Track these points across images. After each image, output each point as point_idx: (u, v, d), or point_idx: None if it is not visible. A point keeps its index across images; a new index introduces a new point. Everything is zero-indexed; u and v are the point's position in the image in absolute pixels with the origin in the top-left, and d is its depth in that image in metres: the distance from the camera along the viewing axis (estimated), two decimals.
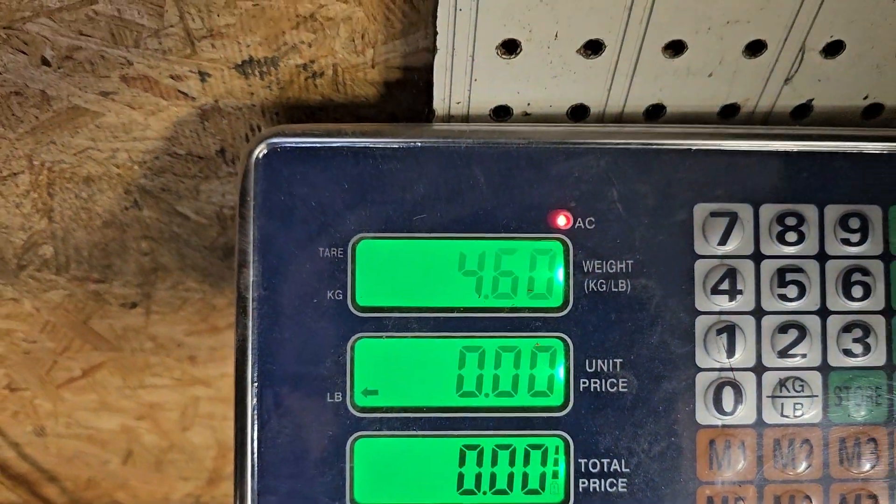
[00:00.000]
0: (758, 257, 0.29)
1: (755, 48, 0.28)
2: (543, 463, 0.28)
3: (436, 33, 0.27)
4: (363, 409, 0.28)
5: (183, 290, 0.42)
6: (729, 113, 0.31)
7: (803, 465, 0.29)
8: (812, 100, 0.31)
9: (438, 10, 0.26)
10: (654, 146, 0.28)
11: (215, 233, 0.38)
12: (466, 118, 0.30)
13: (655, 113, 0.30)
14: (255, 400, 0.28)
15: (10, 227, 0.38)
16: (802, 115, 0.31)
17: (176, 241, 0.39)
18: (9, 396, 0.51)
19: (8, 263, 0.40)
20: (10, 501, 0.63)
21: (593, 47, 0.28)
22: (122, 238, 0.39)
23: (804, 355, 0.29)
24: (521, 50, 0.28)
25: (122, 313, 0.44)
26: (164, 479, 0.62)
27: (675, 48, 0.28)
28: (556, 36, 0.27)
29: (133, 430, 0.55)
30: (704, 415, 0.28)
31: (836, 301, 0.29)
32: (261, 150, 0.28)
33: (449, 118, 0.30)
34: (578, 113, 0.30)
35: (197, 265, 0.40)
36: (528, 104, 0.30)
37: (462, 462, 0.28)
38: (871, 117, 0.32)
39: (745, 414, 0.29)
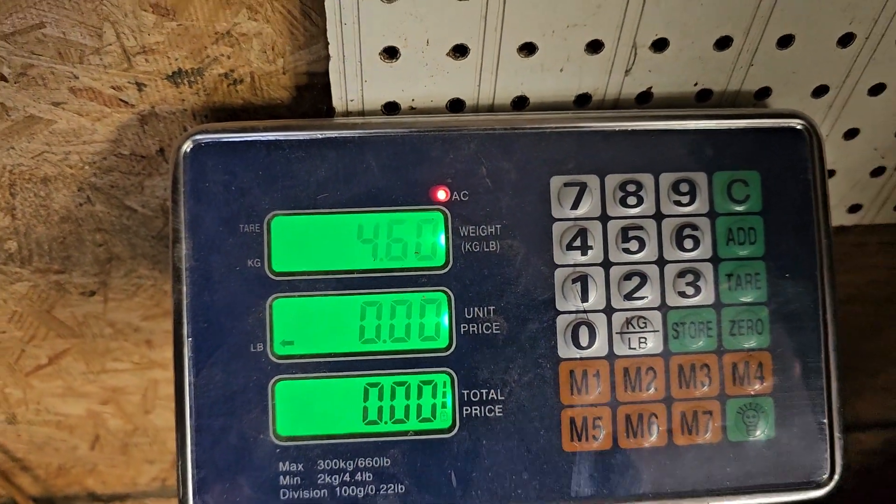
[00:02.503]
0: (605, 218, 0.35)
1: (595, 47, 0.34)
2: (434, 395, 0.34)
3: (328, 44, 0.33)
4: (281, 357, 0.33)
5: (136, 278, 0.47)
6: (583, 101, 0.37)
7: (649, 389, 0.35)
8: (651, 88, 0.37)
9: (327, 23, 0.32)
10: (516, 130, 0.34)
11: (161, 223, 0.44)
12: (362, 114, 0.36)
13: (521, 104, 0.36)
14: (190, 351, 0.33)
15: None
16: (646, 101, 0.37)
17: (126, 232, 0.44)
18: None
19: None
20: None
21: (460, 50, 0.34)
22: (78, 231, 0.44)
23: (646, 298, 0.35)
24: (400, 55, 0.33)
25: (82, 301, 0.49)
26: (131, 463, 0.66)
27: (529, 49, 0.34)
28: (428, 42, 0.33)
29: (98, 415, 0.59)
30: (565, 350, 0.34)
31: (671, 252, 0.35)
32: (187, 146, 0.33)
33: (347, 114, 0.36)
34: (456, 106, 0.36)
35: (147, 253, 0.45)
36: (413, 100, 0.35)
37: (366, 398, 0.34)
38: (704, 100, 0.38)
39: (598, 348, 0.34)
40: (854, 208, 0.45)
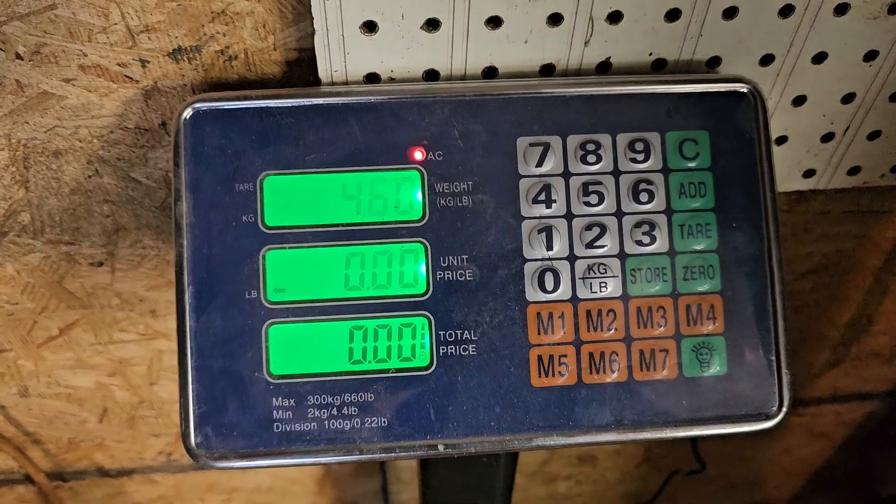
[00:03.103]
0: (567, 175, 0.38)
1: (555, 19, 0.38)
2: (413, 337, 0.37)
3: (313, 20, 0.36)
4: (274, 303, 0.37)
5: (141, 248, 0.51)
6: (548, 71, 0.40)
7: (610, 329, 0.38)
8: (609, 58, 0.40)
9: (312, 2, 0.36)
10: (485, 96, 0.38)
11: (164, 194, 0.47)
12: (346, 83, 0.39)
13: (491, 74, 0.40)
14: (190, 299, 0.36)
15: None
16: (605, 71, 0.41)
17: (132, 203, 0.47)
18: None
19: None
20: (5, 465, 0.70)
21: (433, 24, 0.37)
22: (87, 203, 0.47)
23: (606, 246, 0.38)
24: (378, 29, 0.37)
25: (91, 272, 0.52)
26: (137, 437, 0.70)
27: (495, 22, 0.38)
28: (403, 17, 0.37)
29: (106, 387, 0.63)
30: (532, 294, 0.38)
31: (629, 205, 0.38)
32: (188, 113, 0.37)
33: (332, 84, 0.39)
34: (432, 76, 0.39)
35: (151, 224, 0.49)
36: (392, 70, 0.39)
37: (351, 339, 0.37)
38: (660, 69, 0.41)
39: (562, 292, 0.38)
40: (808, 173, 0.49)
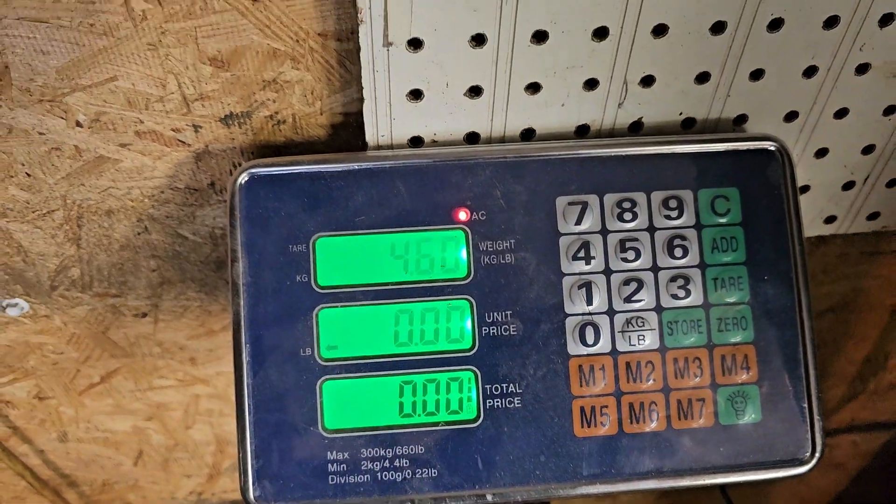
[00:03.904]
0: (604, 232, 0.40)
1: (591, 84, 0.40)
2: (460, 390, 0.39)
3: (362, 88, 0.38)
4: (327, 360, 0.38)
5: (184, 300, 0.52)
6: (583, 131, 0.42)
7: (648, 380, 0.39)
8: (641, 118, 0.42)
9: (362, 72, 0.37)
10: (525, 157, 0.39)
11: (209, 249, 0.49)
12: (391, 147, 0.41)
13: (529, 135, 0.42)
14: (247, 357, 0.38)
15: (46, 254, 0.48)
16: (637, 129, 0.43)
17: (178, 258, 0.49)
18: (38, 405, 0.60)
19: (42, 285, 0.50)
20: None
21: (475, 91, 0.39)
22: (135, 258, 0.49)
23: (643, 300, 0.40)
24: (423, 96, 0.39)
25: (135, 323, 0.54)
26: (170, 478, 0.71)
27: (534, 88, 0.39)
28: (447, 85, 0.38)
29: (143, 431, 0.64)
30: (573, 347, 0.39)
31: (664, 260, 0.40)
32: (243, 178, 0.39)
33: (378, 148, 0.41)
34: (472, 138, 0.41)
35: (195, 277, 0.51)
36: (435, 134, 0.41)
37: (401, 394, 0.39)
38: (689, 127, 0.43)
39: (602, 345, 0.39)
40: (830, 219, 0.50)
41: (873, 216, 0.51)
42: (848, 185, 0.48)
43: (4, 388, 0.58)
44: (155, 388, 0.60)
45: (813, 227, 0.50)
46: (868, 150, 0.46)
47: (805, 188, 0.48)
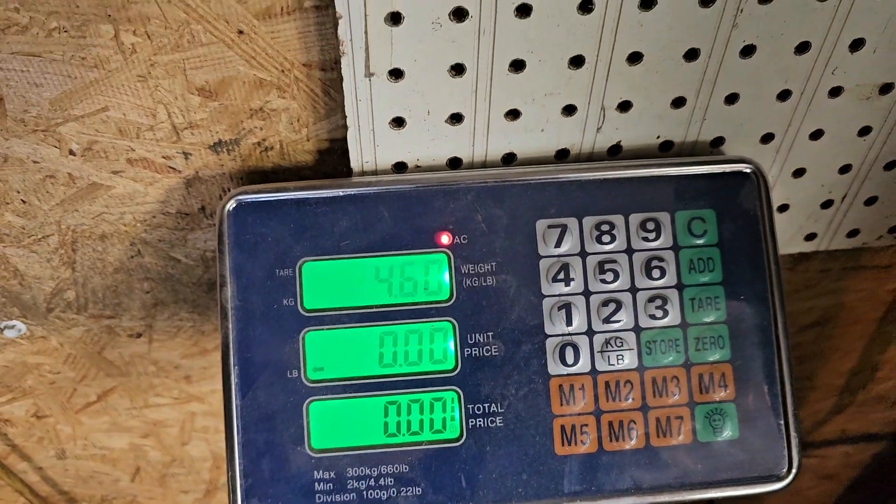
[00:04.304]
0: (584, 254, 0.41)
1: (570, 110, 0.41)
2: (444, 410, 0.40)
3: (346, 116, 0.39)
4: (313, 381, 0.39)
5: (178, 320, 0.53)
6: (563, 155, 0.43)
7: (627, 399, 0.40)
8: (620, 141, 0.43)
9: (345, 100, 0.39)
10: (505, 182, 0.40)
11: (201, 271, 0.50)
12: (375, 172, 0.42)
13: (510, 159, 0.43)
14: (236, 378, 0.39)
15: (42, 277, 0.49)
16: (616, 153, 0.44)
17: (171, 280, 0.50)
18: (35, 424, 0.61)
19: (39, 307, 0.51)
20: None
21: (456, 118, 0.40)
22: (129, 280, 0.50)
23: (622, 321, 0.41)
24: (406, 124, 0.40)
25: (130, 343, 0.55)
26: (168, 494, 0.72)
27: (514, 114, 0.41)
28: (429, 112, 0.40)
29: (140, 448, 0.65)
30: (554, 367, 0.40)
31: (642, 281, 0.41)
32: (231, 205, 0.40)
33: (362, 174, 0.42)
34: (455, 163, 0.42)
35: (188, 298, 0.52)
36: (418, 160, 0.42)
37: (386, 414, 0.39)
38: (667, 150, 0.44)
39: (582, 365, 0.40)
40: (810, 237, 0.51)
41: (853, 233, 0.52)
42: (826, 204, 0.49)
43: (3, 406, 0.59)
44: (151, 405, 0.61)
45: (793, 244, 0.51)
46: (845, 169, 0.47)
47: (784, 207, 0.49)
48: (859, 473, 0.90)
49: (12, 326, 0.52)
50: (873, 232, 0.52)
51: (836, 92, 0.43)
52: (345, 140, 0.42)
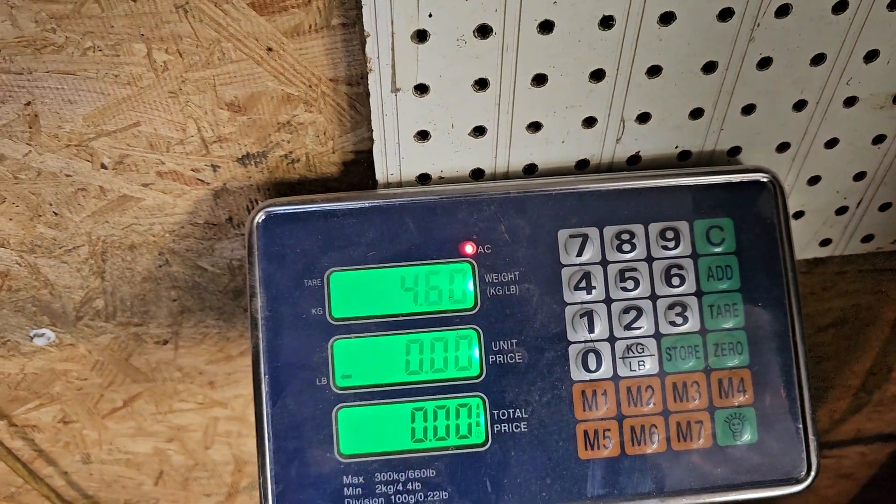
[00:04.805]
0: (605, 263, 0.42)
1: (590, 122, 0.42)
2: (469, 416, 0.41)
3: (372, 129, 0.40)
4: (342, 388, 0.40)
5: (203, 327, 0.54)
6: (583, 165, 0.44)
7: (649, 404, 0.41)
8: (639, 151, 0.44)
9: (371, 114, 0.40)
10: (527, 193, 0.41)
11: (227, 279, 0.51)
12: (400, 184, 0.43)
13: (531, 170, 0.44)
14: (266, 387, 0.40)
15: (72, 287, 0.50)
16: (636, 162, 0.44)
17: (197, 288, 0.51)
18: (62, 429, 0.62)
19: (68, 315, 0.52)
20: None
21: (479, 130, 0.41)
22: (157, 289, 0.51)
23: (642, 328, 0.41)
24: (430, 137, 0.41)
25: (156, 349, 0.56)
26: (190, 497, 0.73)
27: (535, 126, 0.41)
28: (453, 126, 0.41)
29: (164, 452, 0.66)
30: (576, 373, 0.41)
31: (662, 289, 0.42)
32: (260, 217, 0.41)
33: (387, 185, 0.43)
34: (477, 174, 0.43)
35: (214, 306, 0.53)
36: (441, 171, 0.43)
37: (413, 419, 0.40)
38: (685, 159, 0.45)
39: (604, 370, 0.41)
40: (825, 242, 0.52)
41: (867, 238, 0.52)
42: (841, 210, 0.50)
43: (31, 413, 0.60)
44: (175, 410, 0.62)
45: (809, 249, 0.52)
46: (859, 176, 0.48)
47: (800, 213, 0.49)
48: (875, 472, 0.90)
49: (42, 335, 0.53)
50: (888, 237, 0.53)
51: (850, 102, 0.43)
52: (370, 152, 0.43)
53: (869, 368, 0.73)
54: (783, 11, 0.38)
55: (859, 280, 0.62)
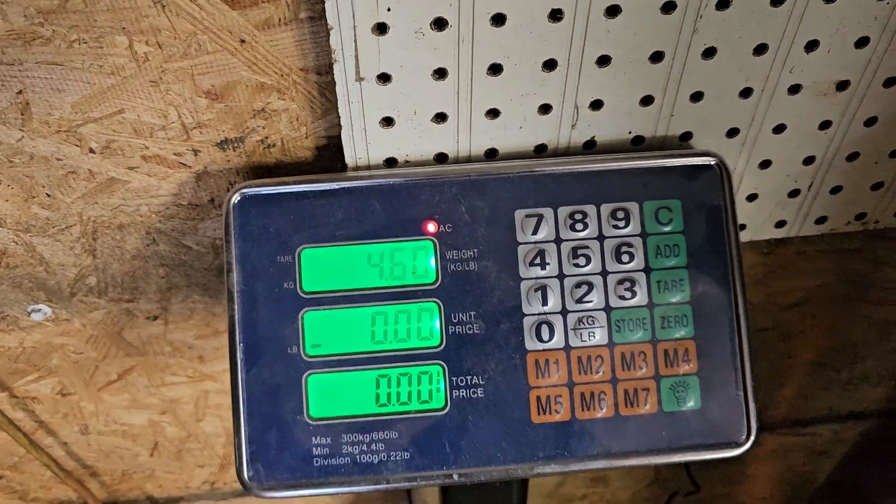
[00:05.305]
0: (559, 241, 0.44)
1: (545, 109, 0.44)
2: (430, 383, 0.43)
3: (339, 116, 0.43)
4: (311, 357, 0.43)
5: (191, 303, 0.58)
6: (541, 150, 0.47)
7: (598, 372, 0.44)
8: (594, 137, 0.47)
9: (339, 102, 0.42)
10: (486, 176, 0.44)
11: (211, 258, 0.54)
12: (368, 167, 0.46)
13: (492, 154, 0.46)
14: (241, 355, 0.43)
15: (66, 264, 0.53)
16: (591, 147, 0.47)
17: (184, 265, 0.54)
18: (60, 401, 0.66)
19: (63, 292, 0.55)
20: (65, 495, 0.77)
21: (441, 117, 0.44)
22: (146, 267, 0.54)
23: (593, 301, 0.44)
24: (395, 123, 0.44)
25: (147, 324, 0.59)
26: (184, 468, 0.76)
27: (494, 113, 0.44)
28: (415, 113, 0.43)
29: (157, 424, 0.69)
30: (531, 343, 0.44)
31: (612, 265, 0.45)
32: (236, 198, 0.44)
33: (356, 168, 0.46)
34: (441, 158, 0.46)
35: (200, 282, 0.56)
36: (407, 155, 0.46)
37: (377, 386, 0.43)
38: (639, 144, 0.48)
39: (557, 341, 0.44)
40: (780, 224, 0.55)
41: (821, 220, 0.55)
42: (794, 193, 0.52)
43: (31, 385, 0.63)
44: (167, 384, 0.65)
45: (764, 230, 0.55)
46: (809, 160, 0.50)
47: (753, 196, 0.52)
48: (849, 450, 0.93)
49: (38, 310, 0.56)
50: (840, 218, 0.55)
51: (795, 89, 0.46)
52: (340, 137, 0.46)
53: (835, 346, 0.75)
54: (724, 4, 0.41)
55: (820, 259, 0.64)
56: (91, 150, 0.46)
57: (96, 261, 0.53)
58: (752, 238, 0.55)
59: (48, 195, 0.48)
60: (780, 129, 0.48)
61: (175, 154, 0.47)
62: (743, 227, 0.54)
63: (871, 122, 0.48)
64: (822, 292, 0.68)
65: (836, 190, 0.53)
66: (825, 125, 0.48)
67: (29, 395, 0.64)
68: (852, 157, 0.50)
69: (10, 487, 0.75)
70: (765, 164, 0.50)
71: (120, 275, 0.54)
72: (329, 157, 0.48)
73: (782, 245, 0.61)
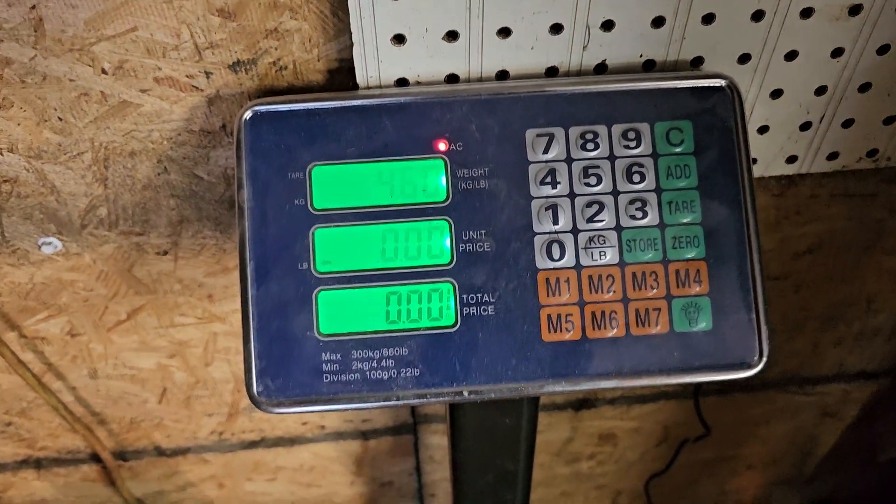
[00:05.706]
0: (569, 160, 0.44)
1: (557, 28, 0.44)
2: (440, 300, 0.43)
3: (351, 34, 0.43)
4: (322, 273, 0.43)
5: (201, 238, 0.58)
6: (552, 73, 0.47)
7: (609, 292, 0.44)
8: (605, 60, 0.46)
9: (351, 20, 0.42)
10: (498, 95, 0.44)
11: (223, 189, 0.54)
12: (380, 87, 0.46)
13: (503, 76, 0.46)
14: (251, 271, 0.43)
15: (76, 194, 0.53)
16: (602, 71, 0.47)
17: (195, 197, 0.54)
18: (70, 342, 0.66)
19: (73, 224, 0.55)
20: (73, 444, 0.77)
21: (452, 35, 0.44)
22: (157, 197, 0.54)
23: (604, 220, 0.44)
24: (406, 41, 0.44)
25: (157, 260, 0.59)
26: (193, 416, 0.77)
27: (505, 32, 0.44)
28: (427, 30, 0.43)
29: (166, 369, 0.70)
30: (541, 262, 0.44)
31: (624, 185, 0.44)
32: (247, 115, 0.44)
33: (367, 88, 0.46)
34: (452, 79, 0.46)
35: (211, 216, 0.56)
36: (418, 75, 0.46)
37: (388, 303, 0.43)
38: (650, 69, 0.47)
39: (567, 260, 0.44)
40: (791, 159, 0.54)
41: (833, 156, 0.55)
42: (805, 126, 0.52)
43: (40, 324, 0.63)
44: (176, 325, 0.65)
45: (775, 166, 0.55)
46: (820, 91, 0.50)
47: (765, 128, 0.52)
48: (859, 410, 0.93)
49: (49, 243, 0.56)
50: (852, 154, 0.55)
51: (807, 13, 0.46)
52: (352, 59, 0.46)
53: (847, 299, 0.75)
54: None
55: (832, 205, 0.64)
56: (104, 71, 0.46)
57: (107, 191, 0.53)
58: (763, 174, 0.55)
59: (60, 118, 0.48)
60: (791, 55, 0.48)
61: (187, 76, 0.47)
62: (754, 161, 0.54)
63: (883, 49, 0.48)
64: (834, 239, 0.68)
65: (847, 123, 0.53)
66: (837, 52, 0.48)
67: (38, 336, 0.65)
68: (864, 87, 0.50)
69: (19, 435, 0.76)
70: (776, 94, 0.50)
71: (131, 206, 0.54)
72: (340, 81, 0.48)
73: (794, 186, 0.61)
